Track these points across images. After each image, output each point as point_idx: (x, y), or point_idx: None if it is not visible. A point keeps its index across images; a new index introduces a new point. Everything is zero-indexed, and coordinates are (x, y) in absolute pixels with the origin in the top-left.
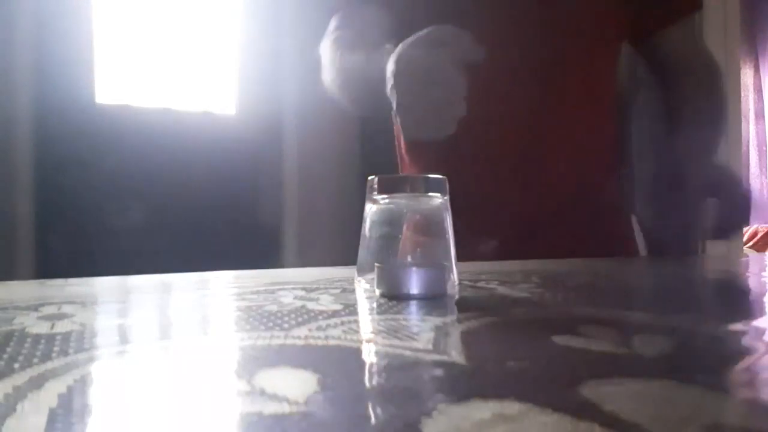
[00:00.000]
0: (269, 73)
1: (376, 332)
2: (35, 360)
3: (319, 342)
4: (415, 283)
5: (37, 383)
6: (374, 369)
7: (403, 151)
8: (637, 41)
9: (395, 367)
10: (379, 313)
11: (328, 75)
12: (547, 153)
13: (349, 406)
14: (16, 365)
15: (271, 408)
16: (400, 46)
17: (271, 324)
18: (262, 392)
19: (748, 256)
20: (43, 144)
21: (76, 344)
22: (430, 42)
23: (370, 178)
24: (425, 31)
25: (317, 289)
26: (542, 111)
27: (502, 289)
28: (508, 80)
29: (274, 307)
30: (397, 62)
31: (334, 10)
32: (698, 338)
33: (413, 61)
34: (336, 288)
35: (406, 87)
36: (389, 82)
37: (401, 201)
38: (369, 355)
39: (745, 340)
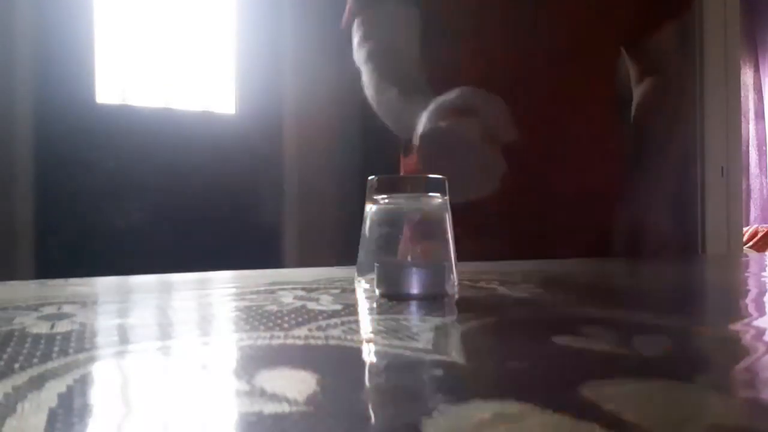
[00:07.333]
0: (269, 73)
1: (376, 332)
2: (35, 360)
3: (319, 342)
4: (415, 283)
5: (37, 383)
6: (374, 369)
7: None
8: (628, 44)
9: (395, 367)
10: (379, 313)
11: (369, 93)
12: (551, 155)
13: (349, 406)
14: (16, 365)
15: (271, 408)
16: (428, 112)
17: (271, 324)
18: (262, 392)
19: (747, 256)
20: (43, 144)
21: (76, 344)
22: (458, 110)
23: (370, 178)
24: (453, 94)
25: (317, 289)
26: (546, 114)
27: (502, 289)
28: (510, 82)
29: (274, 307)
30: (423, 136)
31: (354, 13)
32: (698, 338)
33: (438, 134)
34: (336, 288)
35: (430, 160)
36: (416, 144)
37: (401, 201)
38: (369, 355)
39: (745, 340)
